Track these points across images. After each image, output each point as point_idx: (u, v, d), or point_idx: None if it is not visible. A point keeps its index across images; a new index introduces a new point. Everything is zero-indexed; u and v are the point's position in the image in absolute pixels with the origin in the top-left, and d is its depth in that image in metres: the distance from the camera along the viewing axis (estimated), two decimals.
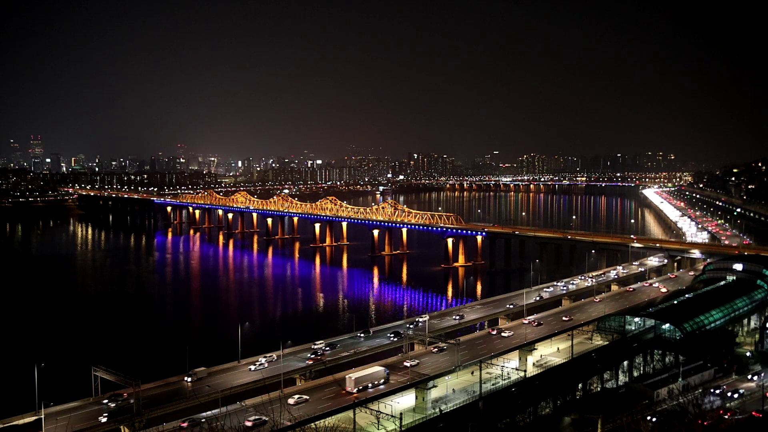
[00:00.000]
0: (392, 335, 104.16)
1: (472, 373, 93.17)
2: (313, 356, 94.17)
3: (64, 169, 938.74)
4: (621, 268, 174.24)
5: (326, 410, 75.21)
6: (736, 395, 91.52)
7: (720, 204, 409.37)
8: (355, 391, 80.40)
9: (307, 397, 79.41)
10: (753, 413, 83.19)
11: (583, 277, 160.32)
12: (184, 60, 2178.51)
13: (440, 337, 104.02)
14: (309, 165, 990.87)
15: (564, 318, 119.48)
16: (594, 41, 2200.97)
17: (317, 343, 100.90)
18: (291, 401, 77.88)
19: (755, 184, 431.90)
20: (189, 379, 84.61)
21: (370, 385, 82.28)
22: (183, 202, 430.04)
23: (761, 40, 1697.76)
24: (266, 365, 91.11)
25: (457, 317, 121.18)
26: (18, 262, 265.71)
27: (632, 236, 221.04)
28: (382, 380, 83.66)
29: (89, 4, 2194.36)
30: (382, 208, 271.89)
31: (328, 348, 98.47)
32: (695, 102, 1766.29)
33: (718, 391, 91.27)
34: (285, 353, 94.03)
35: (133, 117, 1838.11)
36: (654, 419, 75.82)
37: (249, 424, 69.81)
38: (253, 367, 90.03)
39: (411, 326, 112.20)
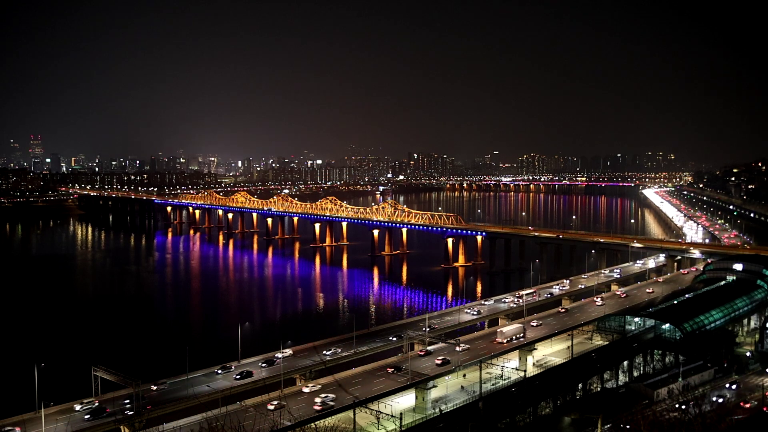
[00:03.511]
0: (237, 376, 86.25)
1: (464, 376, 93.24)
2: (111, 418, 71.39)
3: (64, 169, 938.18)
4: (568, 282, 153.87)
5: (327, 410, 75.24)
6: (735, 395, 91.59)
7: (720, 204, 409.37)
8: (504, 342, 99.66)
9: (469, 346, 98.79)
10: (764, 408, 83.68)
11: (517, 296, 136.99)
12: (184, 60, 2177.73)
13: (440, 337, 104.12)
14: (309, 165, 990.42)
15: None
16: (594, 41, 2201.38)
17: (160, 382, 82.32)
18: (458, 348, 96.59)
19: (755, 184, 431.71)
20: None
21: (514, 337, 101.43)
22: (183, 202, 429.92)
23: (761, 39, 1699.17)
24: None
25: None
26: (18, 262, 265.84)
27: (632, 238, 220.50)
28: (522, 334, 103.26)
29: (89, 4, 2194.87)
30: (382, 208, 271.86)
31: (146, 400, 76.51)
32: (695, 102, 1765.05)
33: (718, 391, 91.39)
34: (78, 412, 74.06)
35: (133, 117, 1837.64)
36: (654, 419, 75.80)
37: (438, 362, 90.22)
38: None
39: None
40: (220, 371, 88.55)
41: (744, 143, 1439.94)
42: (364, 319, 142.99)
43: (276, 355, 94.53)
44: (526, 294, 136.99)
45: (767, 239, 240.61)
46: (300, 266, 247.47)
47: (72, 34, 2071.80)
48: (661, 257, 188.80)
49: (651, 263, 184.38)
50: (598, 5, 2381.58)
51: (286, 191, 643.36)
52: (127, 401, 76.03)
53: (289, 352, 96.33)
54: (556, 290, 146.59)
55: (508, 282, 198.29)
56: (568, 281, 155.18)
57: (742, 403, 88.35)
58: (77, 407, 74.81)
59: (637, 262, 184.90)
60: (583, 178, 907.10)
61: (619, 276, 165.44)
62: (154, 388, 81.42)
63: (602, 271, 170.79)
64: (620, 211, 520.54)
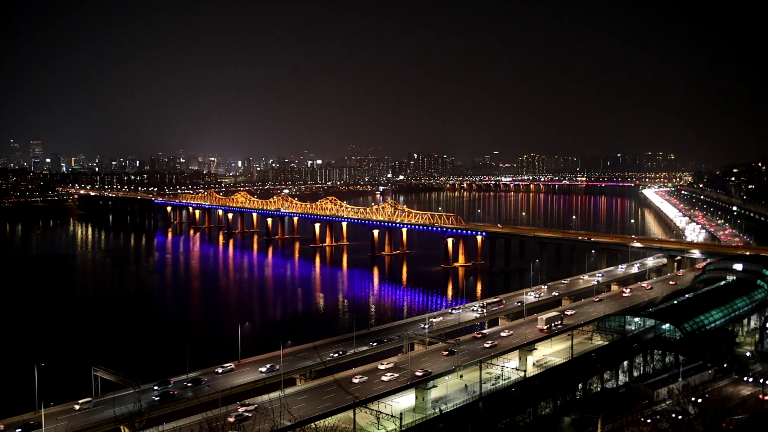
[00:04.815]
0: (157, 397, 78.77)
1: (461, 376, 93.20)
2: None
3: (64, 169, 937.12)
4: (545, 287, 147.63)
5: (326, 410, 75.24)
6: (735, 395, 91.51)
7: (720, 204, 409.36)
8: (545, 327, 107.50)
9: (512, 332, 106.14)
10: None
11: (481, 305, 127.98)
12: (184, 60, 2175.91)
13: (440, 337, 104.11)
14: (309, 165, 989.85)
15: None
16: (594, 41, 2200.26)
17: (83, 401, 75.68)
18: (504, 334, 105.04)
19: (755, 184, 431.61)
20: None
21: (553, 324, 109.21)
22: (183, 202, 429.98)
23: (761, 40, 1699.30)
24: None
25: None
26: (18, 262, 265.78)
27: (633, 236, 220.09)
28: (560, 321, 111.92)
29: (89, 4, 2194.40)
30: (382, 208, 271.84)
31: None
32: (695, 102, 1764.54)
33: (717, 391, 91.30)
34: None
35: (133, 117, 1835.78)
36: (654, 419, 75.82)
37: (487, 345, 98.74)
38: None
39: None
40: (156, 387, 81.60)
41: (744, 143, 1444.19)
42: (364, 319, 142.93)
43: (217, 370, 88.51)
44: (489, 303, 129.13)
45: (767, 239, 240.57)
46: (300, 266, 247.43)
47: (72, 34, 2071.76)
48: (649, 261, 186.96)
49: (634, 269, 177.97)
50: (598, 5, 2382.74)
51: (286, 191, 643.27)
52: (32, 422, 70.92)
53: (231, 365, 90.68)
54: (531, 297, 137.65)
55: (508, 282, 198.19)
56: (545, 287, 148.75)
57: (761, 396, 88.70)
58: None
59: (620, 267, 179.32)
60: (583, 178, 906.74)
61: (599, 282, 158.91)
62: (77, 407, 75.17)
63: (581, 276, 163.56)
64: (620, 211, 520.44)
